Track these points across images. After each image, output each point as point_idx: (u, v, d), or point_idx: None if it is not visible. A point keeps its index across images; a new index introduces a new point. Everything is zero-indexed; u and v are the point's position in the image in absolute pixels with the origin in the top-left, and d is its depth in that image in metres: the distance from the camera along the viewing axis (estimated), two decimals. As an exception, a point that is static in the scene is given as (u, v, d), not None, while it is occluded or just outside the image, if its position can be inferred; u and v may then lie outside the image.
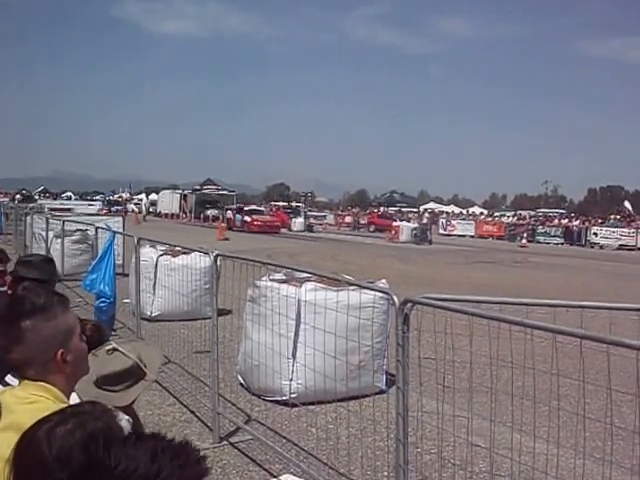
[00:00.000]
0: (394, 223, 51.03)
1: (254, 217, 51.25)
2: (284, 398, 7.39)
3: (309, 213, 64.57)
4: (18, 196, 64.47)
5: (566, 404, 4.65)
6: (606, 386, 3.82)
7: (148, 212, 70.03)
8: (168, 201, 74.30)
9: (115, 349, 3.14)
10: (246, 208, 55.11)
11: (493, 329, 4.00)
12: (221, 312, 7.41)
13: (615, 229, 50.52)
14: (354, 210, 74.15)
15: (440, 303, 4.19)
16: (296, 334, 7.40)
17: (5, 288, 5.25)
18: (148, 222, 55.86)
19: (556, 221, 59.40)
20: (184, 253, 11.66)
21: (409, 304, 4.25)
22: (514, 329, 3.73)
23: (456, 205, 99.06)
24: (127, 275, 12.87)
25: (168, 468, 1.49)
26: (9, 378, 3.45)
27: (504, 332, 3.94)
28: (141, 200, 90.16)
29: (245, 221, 50.84)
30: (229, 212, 55.97)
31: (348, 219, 68.74)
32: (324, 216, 70.44)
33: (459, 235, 57.11)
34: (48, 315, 2.35)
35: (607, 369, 3.41)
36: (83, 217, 20.31)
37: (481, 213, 78.70)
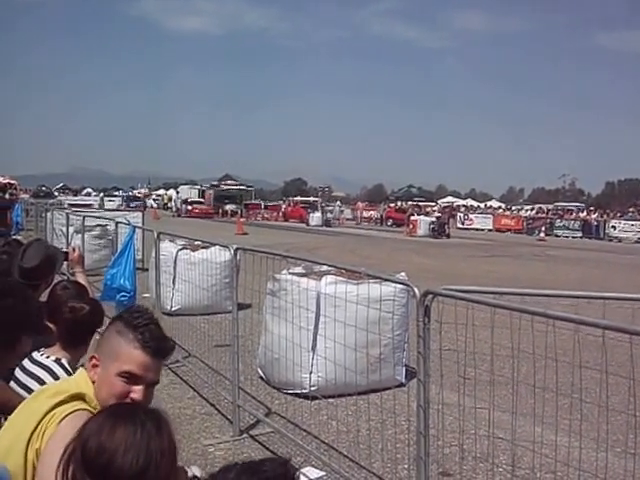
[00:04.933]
0: (412, 217, 50.89)
1: (194, 206, 68.34)
2: (304, 391, 7.40)
3: (327, 208, 64.52)
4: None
5: (587, 397, 4.63)
6: (628, 378, 3.81)
7: (178, 209, 70.48)
8: (186, 197, 74.59)
9: None
10: (189, 200, 71.97)
11: (514, 321, 3.99)
12: (241, 306, 7.43)
13: (634, 222, 50.16)
14: (384, 205, 73.78)
15: (461, 295, 4.18)
16: (316, 327, 7.41)
17: None
18: (167, 218, 55.86)
19: (574, 214, 59.09)
20: (204, 247, 11.68)
21: (430, 296, 4.25)
22: (535, 321, 3.72)
23: (473, 199, 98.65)
24: (147, 270, 12.91)
25: None
26: (35, 354, 3.51)
27: (525, 324, 3.93)
28: (160, 196, 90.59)
29: (188, 209, 67.20)
30: (174, 203, 73.92)
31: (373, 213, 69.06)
32: (342, 211, 70.40)
33: (477, 229, 56.90)
34: (121, 330, 2.49)
35: (628, 361, 3.40)
36: (103, 212, 20.41)
37: (499, 207, 78.31)
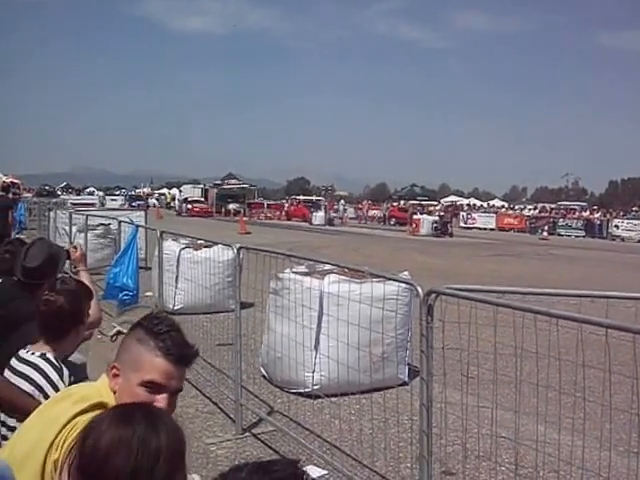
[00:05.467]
0: (415, 216, 50.87)
1: (194, 205, 68.58)
2: (307, 390, 7.41)
3: (335, 206, 64.47)
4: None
5: (590, 395, 4.62)
6: (631, 377, 3.80)
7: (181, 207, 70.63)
8: (190, 196, 74.65)
9: (120, 332, 3.16)
10: (189, 199, 71.89)
11: (517, 319, 3.99)
12: (244, 305, 7.43)
13: (637, 221, 50.08)
14: (387, 204, 73.41)
15: (464, 294, 4.19)
16: (319, 326, 7.41)
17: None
18: (170, 217, 55.83)
19: (577, 214, 59.02)
20: (206, 246, 11.69)
21: (433, 295, 4.25)
22: (538, 320, 3.72)
23: (476, 198, 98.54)
24: (150, 268, 12.94)
25: None
26: (21, 352, 3.51)
27: (528, 322, 3.93)
28: (163, 195, 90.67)
29: (188, 208, 67.33)
30: (177, 202, 74.64)
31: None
32: (345, 210, 70.43)
33: (480, 228, 56.84)
34: (142, 338, 2.41)
35: (632, 360, 3.39)
36: (106, 211, 20.43)
37: (502, 206, 78.26)
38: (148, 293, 11.97)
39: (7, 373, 3.40)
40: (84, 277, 5.24)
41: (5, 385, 3.29)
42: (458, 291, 4.21)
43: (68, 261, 5.39)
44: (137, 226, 11.44)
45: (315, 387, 7.32)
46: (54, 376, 3.34)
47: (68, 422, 2.24)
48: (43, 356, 3.42)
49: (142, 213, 20.82)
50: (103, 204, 55.17)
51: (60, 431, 2.22)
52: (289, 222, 60.34)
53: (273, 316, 7.93)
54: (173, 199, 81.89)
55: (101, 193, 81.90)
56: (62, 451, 2.16)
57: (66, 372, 3.37)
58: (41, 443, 2.22)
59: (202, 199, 73.61)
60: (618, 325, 3.17)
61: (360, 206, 75.45)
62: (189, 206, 68.17)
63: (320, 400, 7.06)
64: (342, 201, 74.17)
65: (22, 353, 3.47)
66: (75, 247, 5.81)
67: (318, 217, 57.28)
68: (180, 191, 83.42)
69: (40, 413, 2.40)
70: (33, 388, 3.29)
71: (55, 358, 3.42)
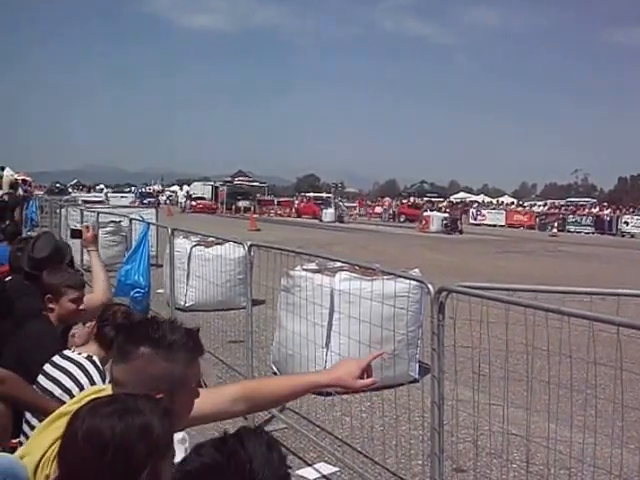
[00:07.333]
0: (425, 213, 50.79)
1: (197, 202, 69.97)
2: (318, 387, 7.41)
3: (340, 203, 64.33)
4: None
5: (601, 393, 4.63)
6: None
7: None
8: (200, 193, 74.74)
9: None
10: (193, 195, 74.02)
11: (528, 317, 4.00)
12: (255, 302, 7.45)
13: (647, 218, 49.91)
14: (396, 201, 73.06)
15: (476, 291, 4.20)
16: (330, 323, 7.43)
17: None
18: (176, 214, 55.86)
19: (587, 210, 58.84)
20: (217, 244, 11.72)
21: (444, 292, 4.26)
22: (549, 317, 3.73)
23: (486, 195, 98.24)
24: (161, 266, 12.95)
25: None
26: (66, 351, 3.56)
27: (539, 320, 3.94)
28: (174, 192, 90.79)
29: (192, 205, 69.00)
30: (181, 199, 76.06)
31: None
32: (355, 206, 70.34)
33: (489, 225, 56.73)
34: (169, 356, 2.20)
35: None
36: (116, 209, 20.46)
37: (511, 202, 78.05)
38: (160, 290, 12.00)
39: (47, 366, 3.45)
40: (94, 257, 5.28)
41: (21, 385, 3.33)
42: (469, 289, 4.22)
43: (80, 240, 5.41)
44: (148, 223, 11.44)
45: (326, 384, 7.32)
46: (97, 378, 3.38)
47: (59, 437, 2.10)
48: (89, 358, 3.48)
49: (153, 210, 20.84)
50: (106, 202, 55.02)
51: (52, 444, 2.14)
52: (299, 219, 60.29)
53: (284, 313, 7.94)
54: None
55: (105, 190, 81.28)
56: (52, 467, 2.08)
57: (109, 378, 3.42)
58: (32, 457, 2.18)
59: (204, 196, 74.23)
60: (629, 323, 3.18)
61: (371, 203, 75.53)
62: (193, 203, 69.69)
63: (331, 397, 7.07)
64: (341, 198, 74.04)
65: (67, 352, 3.54)
66: (87, 227, 5.84)
67: (328, 214, 57.20)
68: (181, 188, 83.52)
69: (50, 421, 2.34)
70: (73, 384, 3.34)
71: (100, 362, 3.48)
